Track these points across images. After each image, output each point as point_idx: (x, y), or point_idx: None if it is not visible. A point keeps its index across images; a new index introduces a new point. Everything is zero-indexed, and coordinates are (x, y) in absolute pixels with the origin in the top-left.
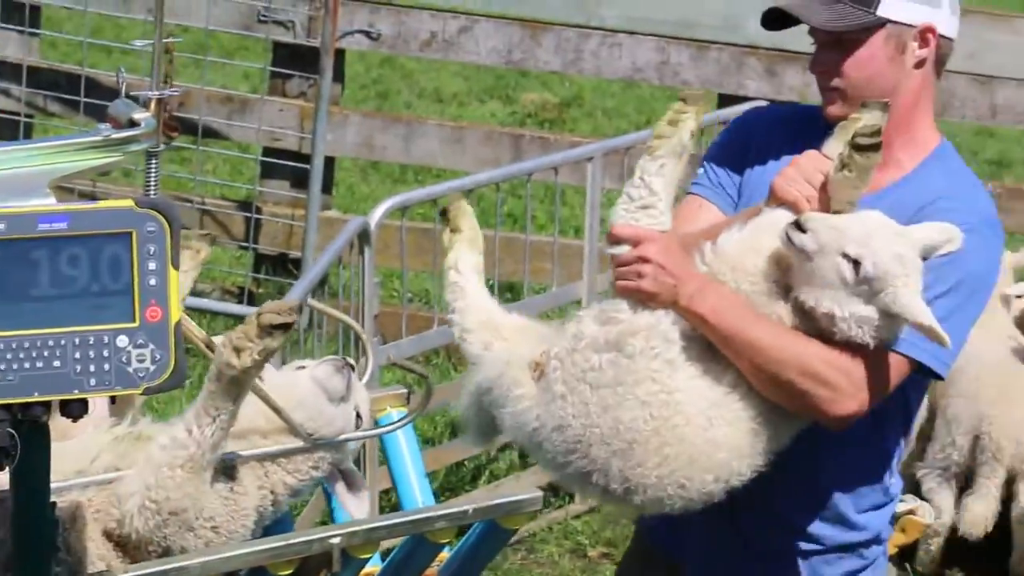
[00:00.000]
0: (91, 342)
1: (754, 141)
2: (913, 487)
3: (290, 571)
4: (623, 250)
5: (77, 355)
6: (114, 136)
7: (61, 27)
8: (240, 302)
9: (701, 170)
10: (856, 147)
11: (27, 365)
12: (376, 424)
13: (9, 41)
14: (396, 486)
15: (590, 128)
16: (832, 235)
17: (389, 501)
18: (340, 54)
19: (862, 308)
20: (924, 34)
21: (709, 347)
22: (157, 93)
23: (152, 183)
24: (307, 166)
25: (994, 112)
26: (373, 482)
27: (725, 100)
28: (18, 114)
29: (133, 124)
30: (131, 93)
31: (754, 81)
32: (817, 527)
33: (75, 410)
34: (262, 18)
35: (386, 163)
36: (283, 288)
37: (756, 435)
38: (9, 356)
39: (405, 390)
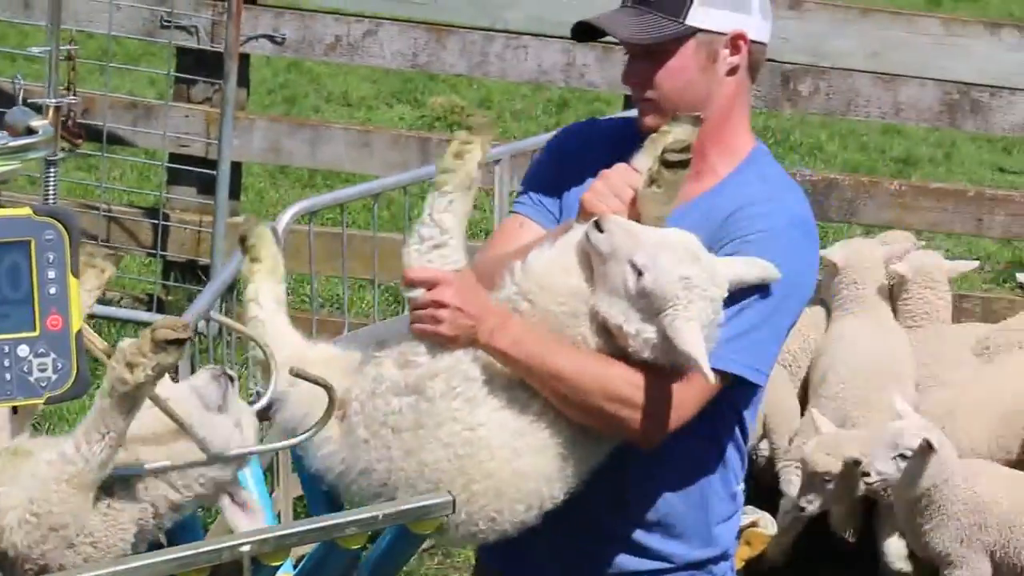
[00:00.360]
0: None
1: (573, 157)
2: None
3: None
4: (418, 293)
5: None
6: (11, 144)
7: None
8: (149, 310)
9: (522, 189)
10: (665, 163)
11: None
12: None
13: None
14: (305, 493)
15: (499, 131)
16: (625, 240)
17: (305, 508)
18: (245, 59)
19: (645, 326)
20: (735, 41)
21: (513, 376)
22: (55, 101)
23: (51, 191)
24: (214, 172)
25: (898, 110)
26: (287, 490)
27: (631, 101)
28: None
29: (31, 132)
30: (30, 101)
31: None
32: (665, 545)
33: None
34: (165, 23)
35: (294, 168)
36: (192, 295)
37: (565, 459)
38: None
39: None
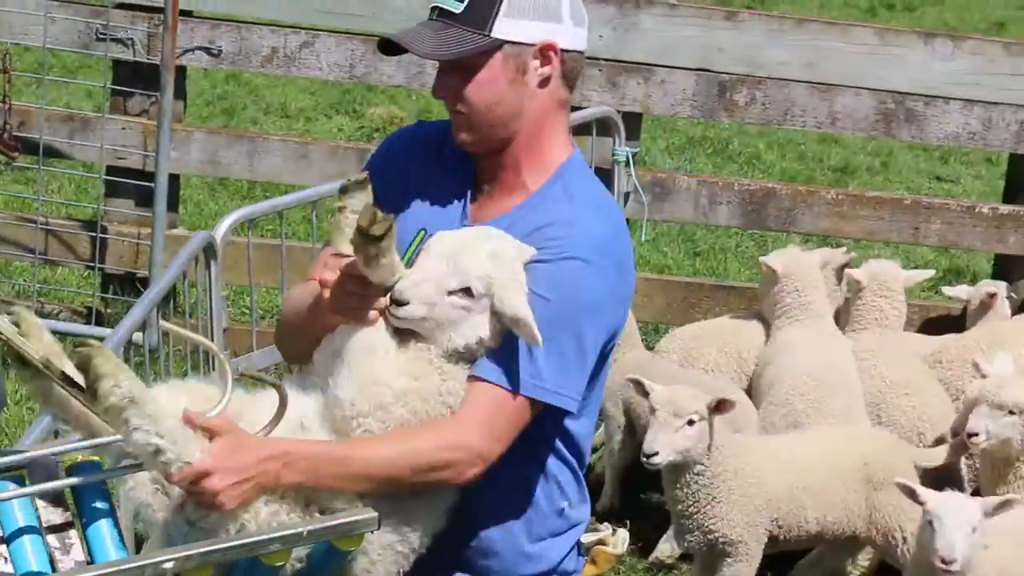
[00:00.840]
0: None
1: (394, 166)
2: None
3: None
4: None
5: None
6: None
7: None
8: (88, 322)
9: None
10: (369, 239)
11: None
12: None
13: None
14: None
15: None
16: (428, 289)
17: None
18: (181, 71)
19: (484, 319)
20: (545, 52)
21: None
22: None
23: None
24: (152, 184)
25: (834, 120)
26: None
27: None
28: None
29: None
30: None
31: (596, 92)
32: (485, 559)
33: None
34: (100, 36)
35: (234, 180)
36: (131, 307)
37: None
38: None
39: None
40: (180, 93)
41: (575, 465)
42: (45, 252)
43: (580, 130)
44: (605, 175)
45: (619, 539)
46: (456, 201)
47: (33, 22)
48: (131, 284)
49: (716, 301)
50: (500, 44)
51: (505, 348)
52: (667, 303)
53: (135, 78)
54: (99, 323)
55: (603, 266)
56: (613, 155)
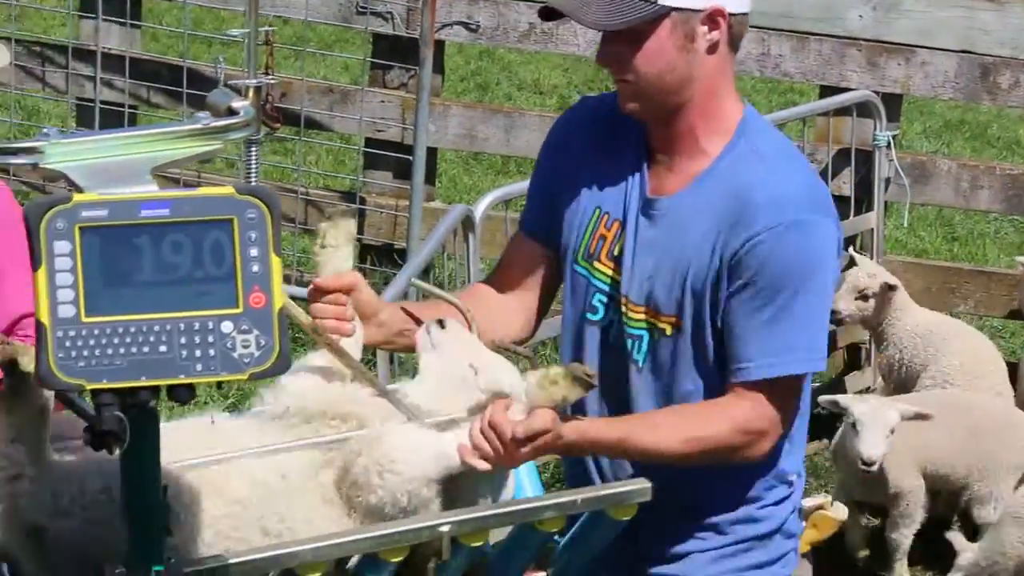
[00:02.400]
0: (196, 328)
1: (560, 147)
2: None
3: (400, 558)
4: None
5: (183, 340)
6: (213, 124)
7: (162, 19)
8: None
9: (527, 200)
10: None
11: (134, 350)
12: None
13: (111, 34)
14: None
15: None
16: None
17: None
18: (440, 45)
19: None
20: (713, 17)
21: None
22: (255, 81)
23: (252, 170)
24: (410, 157)
25: None
26: None
27: (826, 91)
28: (122, 105)
29: (232, 112)
30: (229, 82)
31: (856, 73)
32: (714, 524)
33: (182, 395)
34: (360, 9)
35: (487, 155)
36: (389, 278)
37: None
38: (116, 341)
39: None
40: (438, 67)
41: (796, 430)
42: (304, 222)
43: (840, 112)
44: (865, 157)
45: (839, 507)
46: (631, 175)
47: None
48: (388, 255)
49: (976, 286)
50: (668, 11)
51: (759, 344)
52: (926, 287)
53: (393, 52)
54: None
55: (811, 220)
56: (874, 139)
